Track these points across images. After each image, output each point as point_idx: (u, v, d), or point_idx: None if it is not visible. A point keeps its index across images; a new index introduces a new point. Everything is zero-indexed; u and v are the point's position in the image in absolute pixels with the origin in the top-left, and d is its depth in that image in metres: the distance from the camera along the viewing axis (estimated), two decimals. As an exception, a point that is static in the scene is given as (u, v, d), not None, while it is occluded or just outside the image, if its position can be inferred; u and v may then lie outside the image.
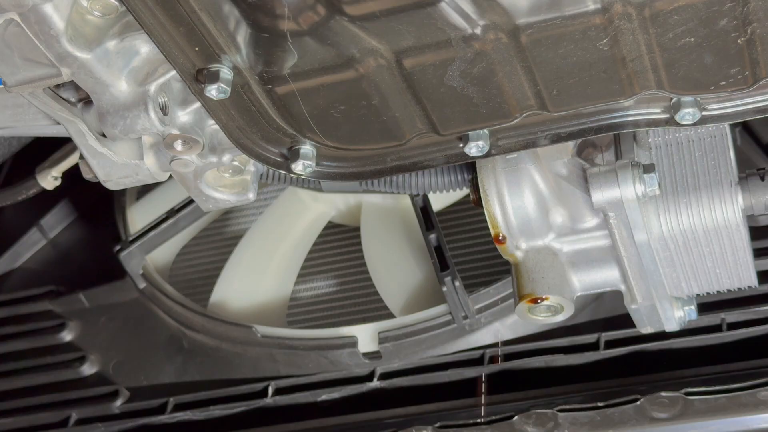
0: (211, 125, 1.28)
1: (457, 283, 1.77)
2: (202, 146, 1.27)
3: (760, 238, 1.74)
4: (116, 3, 1.12)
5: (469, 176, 1.44)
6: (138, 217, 2.11)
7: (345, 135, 1.23)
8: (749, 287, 1.41)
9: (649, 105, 1.19)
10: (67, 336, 2.07)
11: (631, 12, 1.08)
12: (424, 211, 1.88)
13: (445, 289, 1.78)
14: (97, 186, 1.40)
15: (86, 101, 1.25)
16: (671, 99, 1.18)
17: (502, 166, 1.34)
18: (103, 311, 2.08)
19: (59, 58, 1.13)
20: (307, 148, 1.24)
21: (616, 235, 1.33)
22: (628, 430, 1.60)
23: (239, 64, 1.14)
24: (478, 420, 1.68)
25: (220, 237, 2.10)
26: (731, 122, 1.20)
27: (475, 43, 1.11)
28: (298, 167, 1.24)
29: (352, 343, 1.84)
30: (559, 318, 1.39)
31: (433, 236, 1.84)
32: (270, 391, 1.86)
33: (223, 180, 1.35)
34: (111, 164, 1.34)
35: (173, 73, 1.19)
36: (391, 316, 1.86)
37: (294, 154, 1.24)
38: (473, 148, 1.22)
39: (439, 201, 1.95)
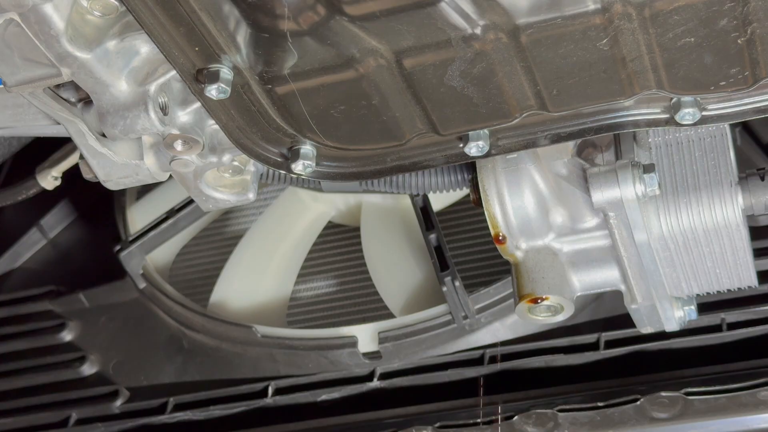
0: (211, 125, 1.28)
1: (457, 283, 1.77)
2: (202, 146, 1.27)
3: (760, 238, 1.74)
4: (116, 3, 1.12)
5: (469, 176, 1.44)
6: (138, 217, 2.11)
7: (345, 135, 1.23)
8: (749, 287, 1.41)
9: (649, 105, 1.19)
10: (67, 336, 2.07)
11: (631, 12, 1.08)
12: (424, 211, 1.87)
13: (445, 289, 1.78)
14: (97, 186, 1.39)
15: (86, 101, 1.25)
16: (671, 99, 1.18)
17: (502, 166, 1.34)
18: (103, 311, 2.08)
19: (59, 58, 1.13)
20: (307, 148, 1.24)
21: (616, 235, 1.33)
22: (628, 430, 1.59)
23: (239, 64, 1.14)
24: (478, 420, 1.68)
25: (220, 237, 2.10)
26: (731, 122, 1.20)
27: (475, 43, 1.11)
28: (298, 167, 1.24)
29: (352, 343, 1.84)
30: (559, 318, 1.38)
31: (433, 236, 1.84)
32: (270, 391, 1.86)
33: (223, 180, 1.35)
34: (111, 164, 1.33)
35: (173, 73, 1.19)
36: (391, 316, 1.86)
37: (294, 154, 1.24)
38: (473, 148, 1.22)
39: (439, 201, 1.95)
